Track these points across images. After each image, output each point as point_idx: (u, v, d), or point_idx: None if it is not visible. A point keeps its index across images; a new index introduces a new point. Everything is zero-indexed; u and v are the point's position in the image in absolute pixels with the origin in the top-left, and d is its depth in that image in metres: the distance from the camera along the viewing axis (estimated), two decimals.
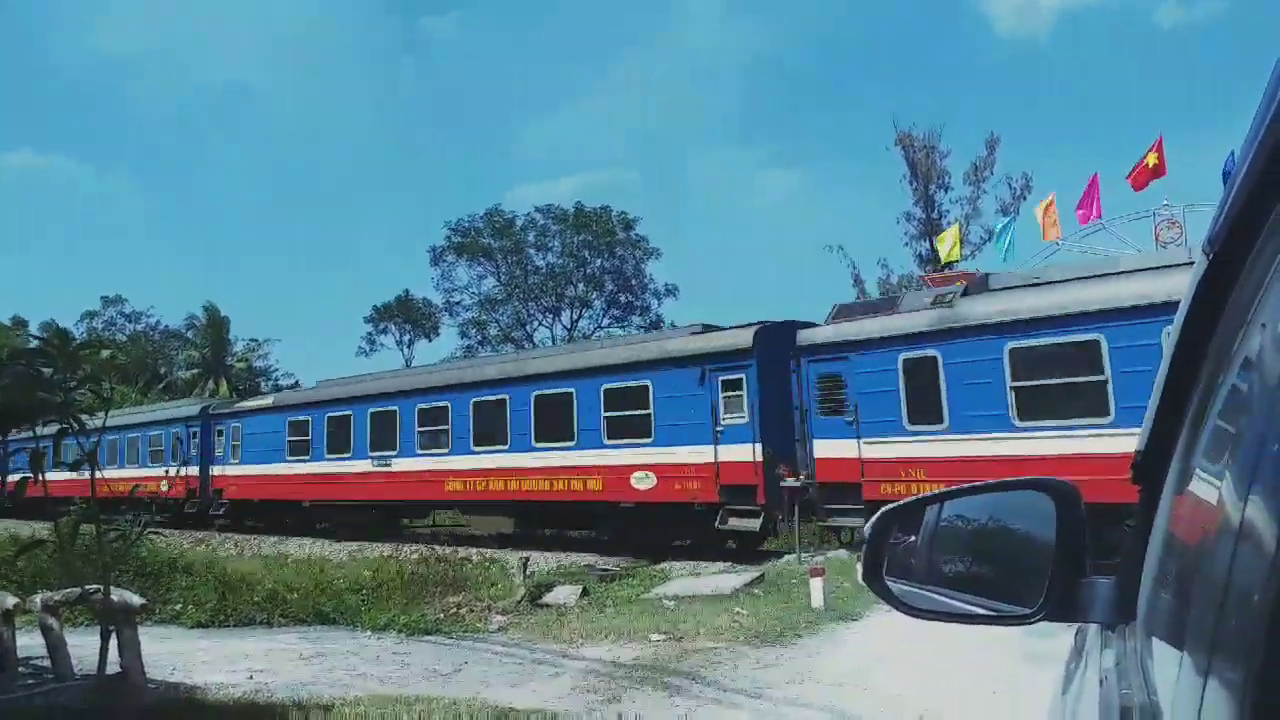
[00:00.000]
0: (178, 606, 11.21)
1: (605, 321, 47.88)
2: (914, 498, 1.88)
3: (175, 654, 8.61)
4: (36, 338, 6.14)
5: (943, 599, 1.75)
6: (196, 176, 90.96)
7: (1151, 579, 1.29)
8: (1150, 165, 21.91)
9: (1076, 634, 2.10)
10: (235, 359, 53.01)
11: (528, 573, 12.48)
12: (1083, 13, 65.48)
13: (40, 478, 5.90)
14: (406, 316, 50.90)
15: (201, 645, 9.26)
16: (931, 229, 33.44)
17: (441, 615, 10.47)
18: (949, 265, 26.50)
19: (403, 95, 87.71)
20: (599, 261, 47.44)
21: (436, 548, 15.65)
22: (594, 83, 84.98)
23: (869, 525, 1.81)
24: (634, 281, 48.00)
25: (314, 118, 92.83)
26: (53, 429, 5.99)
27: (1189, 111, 63.62)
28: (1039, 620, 1.52)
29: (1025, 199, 31.83)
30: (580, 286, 47.64)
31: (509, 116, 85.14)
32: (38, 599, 7.52)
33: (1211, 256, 1.08)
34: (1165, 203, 21.79)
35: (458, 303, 49.06)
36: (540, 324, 48.51)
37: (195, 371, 51.54)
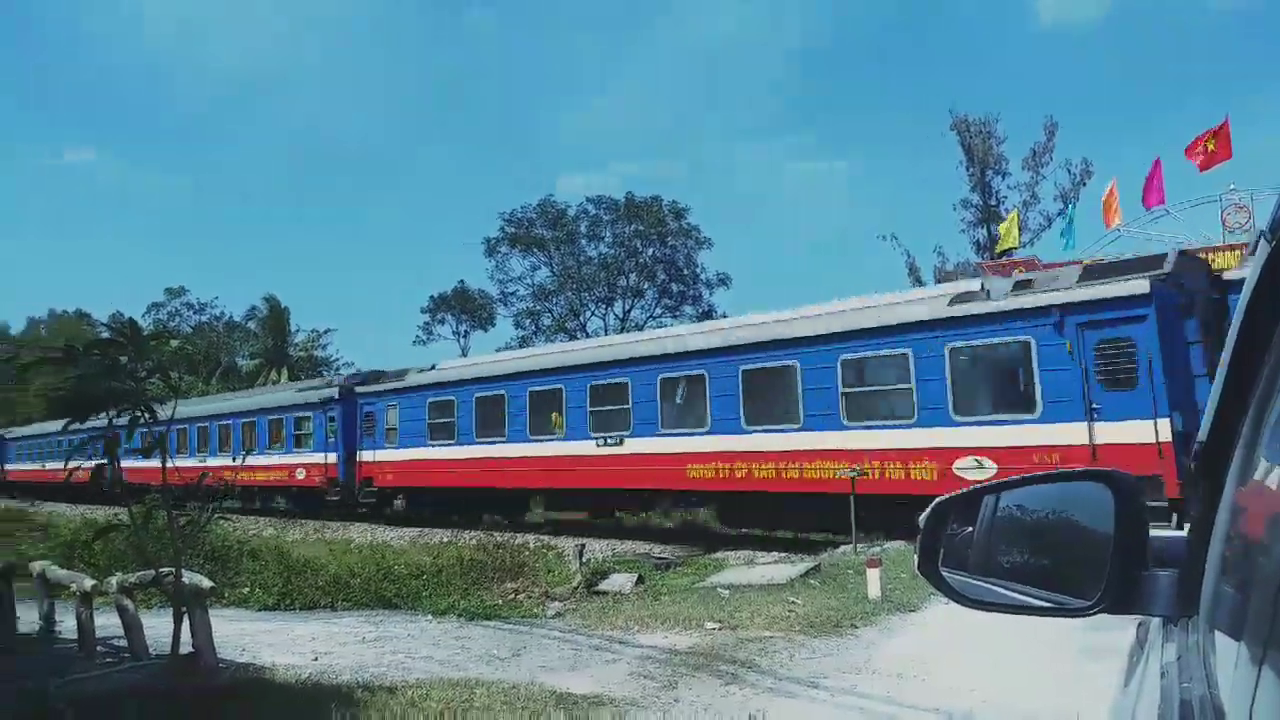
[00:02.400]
0: (245, 590, 11.54)
1: (658, 311, 47.94)
2: (970, 488, 1.88)
3: (243, 635, 8.88)
4: (107, 326, 6.36)
5: (1000, 590, 1.75)
6: (254, 171, 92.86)
7: (1214, 572, 1.28)
8: (1210, 149, 21.26)
9: (1139, 628, 2.08)
10: (296, 349, 54.15)
11: (584, 560, 12.61)
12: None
13: (115, 464, 6.13)
14: (463, 307, 51.50)
15: (267, 628, 9.53)
16: (989, 215, 32.86)
17: (500, 601, 10.63)
18: (1007, 252, 26.03)
19: (447, 85, 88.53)
20: (650, 251, 47.47)
21: (495, 534, 15.84)
22: (637, 71, 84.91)
23: (924, 515, 1.81)
24: (685, 271, 47.94)
25: (363, 110, 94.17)
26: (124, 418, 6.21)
27: (1257, 93, 61.39)
28: (1098, 612, 1.52)
29: (1085, 185, 31.15)
30: (632, 276, 47.73)
31: (553, 105, 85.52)
32: (114, 581, 7.80)
33: (1275, 243, 1.07)
34: (1231, 186, 21.14)
35: (512, 293, 49.52)
36: (593, 314, 48.75)
37: (258, 361, 52.78)
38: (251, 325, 55.98)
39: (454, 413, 21.69)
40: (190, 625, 6.82)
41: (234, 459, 26.78)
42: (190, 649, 6.89)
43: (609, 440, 18.01)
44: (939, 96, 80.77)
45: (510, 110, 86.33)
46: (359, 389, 25.00)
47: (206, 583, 7.46)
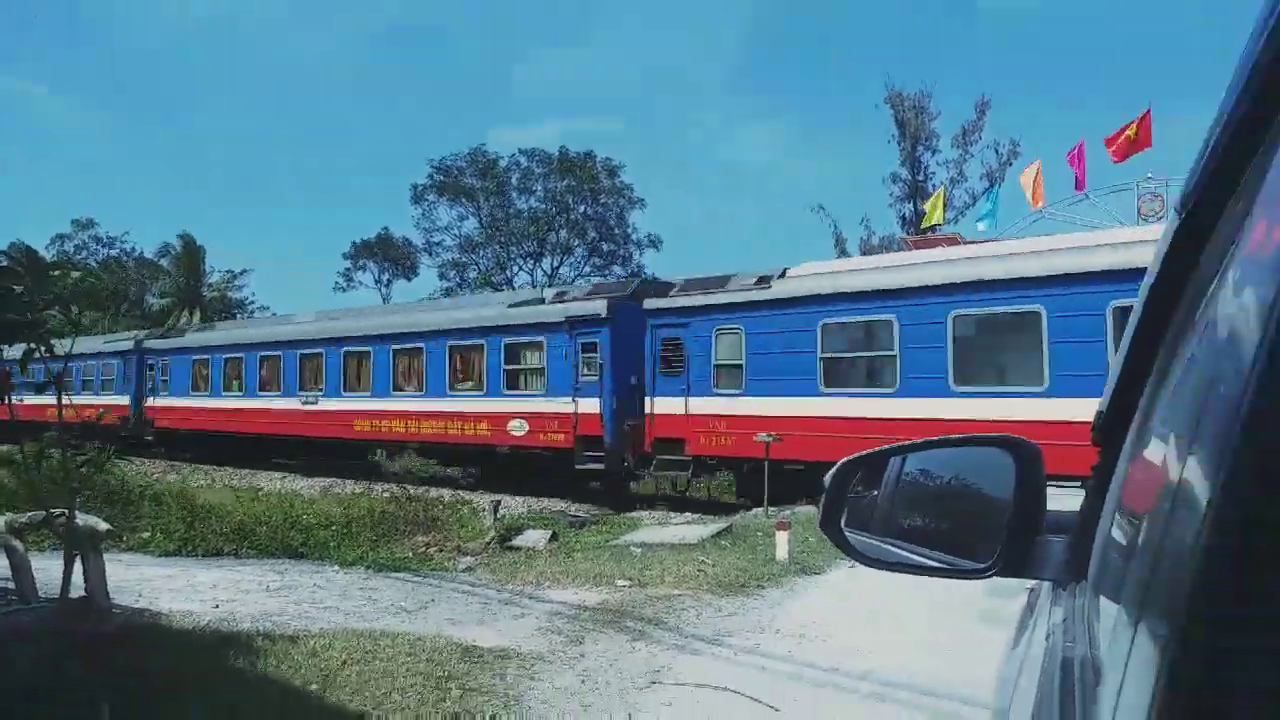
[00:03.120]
0: (146, 535, 11.20)
1: (587, 269, 47.72)
2: (876, 450, 1.88)
3: (142, 581, 8.63)
4: (3, 254, 6.01)
5: (900, 551, 1.76)
6: (173, 104, 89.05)
7: (1103, 539, 1.30)
8: (1131, 138, 21.91)
9: (1030, 592, 2.14)
10: (210, 289, 52.46)
11: (499, 515, 12.56)
12: None
13: (7, 400, 5.84)
14: (385, 254, 50.47)
15: (167, 573, 9.27)
16: (917, 191, 33.42)
17: (410, 554, 10.53)
18: (932, 229, 26.53)
19: (385, 24, 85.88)
20: (582, 208, 47.14)
21: (409, 487, 15.67)
22: (581, 27, 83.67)
23: (829, 474, 1.81)
24: (617, 230, 47.76)
25: (293, 44, 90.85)
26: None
27: (1179, 82, 63.53)
28: (993, 575, 1.54)
29: (1012, 165, 31.86)
30: (563, 233, 47.35)
31: (494, 55, 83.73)
32: (1, 521, 7.48)
33: (1184, 216, 1.07)
34: (1149, 175, 21.86)
35: (438, 243, 48.71)
36: (521, 269, 48.30)
37: (169, 300, 50.99)
38: (164, 263, 53.89)
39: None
40: (83, 569, 6.58)
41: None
42: (83, 593, 6.67)
43: None
44: (877, 68, 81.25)
45: (446, 58, 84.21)
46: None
47: (103, 525, 7.21)
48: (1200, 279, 1.07)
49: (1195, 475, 0.65)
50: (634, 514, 15.65)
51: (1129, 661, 0.75)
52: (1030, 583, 2.05)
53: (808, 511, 13.04)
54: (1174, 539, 0.69)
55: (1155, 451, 1.05)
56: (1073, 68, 63.88)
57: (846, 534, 1.77)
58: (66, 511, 6.32)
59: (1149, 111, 21.76)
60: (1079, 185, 23.54)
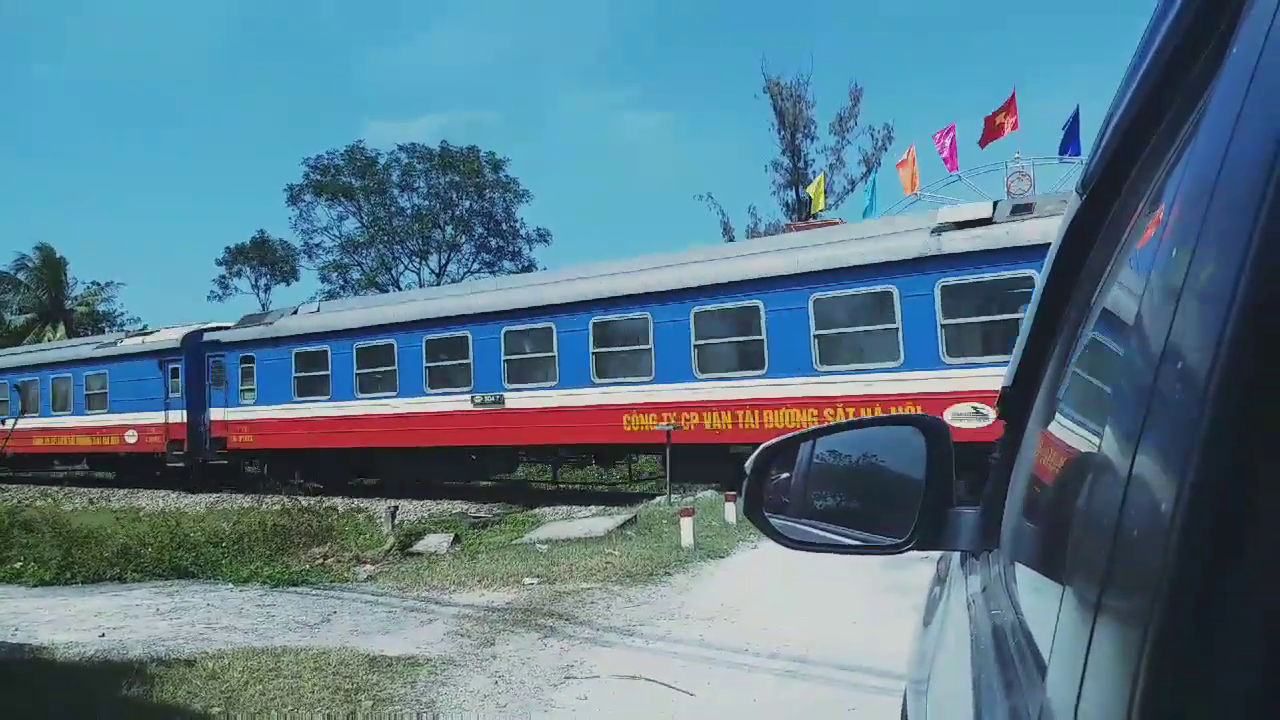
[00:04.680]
0: (18, 564, 10.55)
1: (475, 266, 47.03)
2: (790, 434, 1.92)
3: (16, 614, 8.12)
4: None
5: (818, 531, 1.81)
6: (28, 110, 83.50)
7: (1015, 509, 1.36)
8: (999, 124, 22.96)
9: (939, 563, 2.21)
10: (76, 302, 49.61)
11: (396, 521, 12.31)
12: None
13: None
14: (262, 258, 48.63)
15: (45, 604, 8.74)
16: (798, 178, 34.12)
17: (307, 567, 10.22)
18: (814, 215, 27.18)
19: (247, 22, 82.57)
20: (467, 204, 46.34)
21: (300, 498, 15.17)
22: (452, 16, 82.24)
23: (749, 461, 1.84)
24: (504, 225, 47.19)
25: (155, 42, 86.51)
26: None
27: (1041, 65, 66.65)
28: (909, 549, 1.58)
29: (887, 149, 32.80)
30: (448, 229, 46.52)
31: (361, 49, 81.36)
32: None
33: (1085, 197, 1.12)
34: (1016, 155, 22.91)
35: (317, 245, 47.17)
36: (407, 268, 47.28)
37: (29, 316, 47.98)
38: (21, 276, 50.65)
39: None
40: None
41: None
42: None
43: None
44: (756, 55, 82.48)
45: (316, 52, 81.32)
46: None
47: None
48: (1099, 260, 1.12)
49: (1112, 449, 0.69)
50: (536, 510, 15.58)
51: (1058, 625, 0.79)
52: (937, 555, 2.13)
53: (709, 497, 13.22)
54: (1094, 509, 0.72)
55: (1063, 426, 1.10)
56: (937, 53, 66.24)
57: (768, 517, 1.80)
58: None
59: (1014, 95, 22.82)
60: (949, 167, 24.51)
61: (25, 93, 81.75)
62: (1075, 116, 21.64)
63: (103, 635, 7.28)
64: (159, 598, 8.91)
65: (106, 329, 46.34)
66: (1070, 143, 21.34)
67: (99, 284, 51.78)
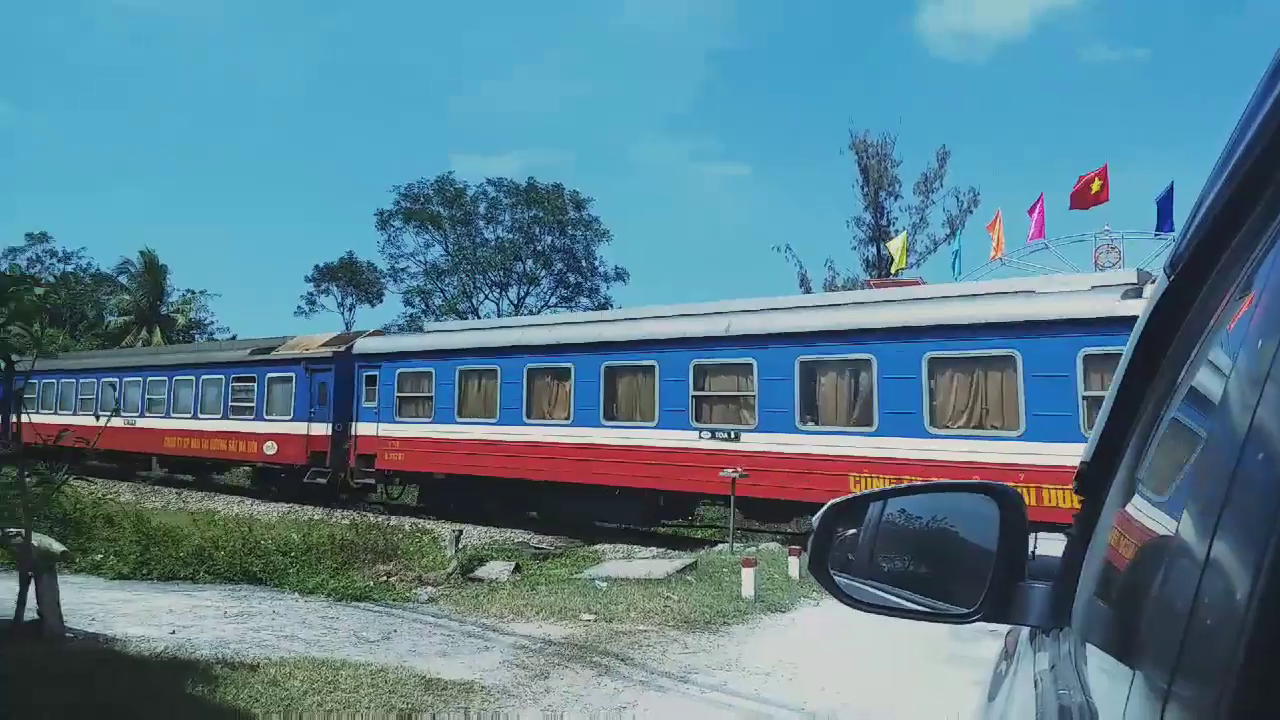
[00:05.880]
0: (99, 557, 10.97)
1: (553, 300, 47.69)
2: (858, 494, 1.93)
3: (95, 604, 8.44)
4: None
5: (883, 594, 1.80)
6: (138, 119, 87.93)
7: (1089, 587, 1.34)
8: (1094, 191, 22.51)
9: (1007, 636, 2.18)
10: (172, 309, 51.67)
11: (460, 545, 12.45)
12: (1016, 45, 67.06)
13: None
14: (350, 279, 50.07)
15: (122, 597, 9.08)
16: (880, 235, 33.91)
17: (371, 583, 10.40)
18: (895, 273, 26.96)
19: (349, 49, 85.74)
20: (549, 239, 47.16)
21: (369, 515, 15.49)
22: (537, 57, 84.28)
23: (816, 517, 1.85)
24: (584, 263, 47.83)
25: (261, 67, 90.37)
26: None
27: (1128, 144, 65.54)
28: (978, 620, 1.57)
29: (972, 213, 32.45)
30: (529, 263, 47.33)
31: (448, 83, 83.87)
32: None
33: (1173, 278, 1.13)
34: (1106, 228, 22.39)
35: (403, 269, 48.43)
36: (487, 297, 48.16)
37: (128, 318, 50.10)
38: (123, 280, 52.99)
39: None
40: (36, 590, 6.45)
41: None
42: (36, 615, 6.52)
43: None
44: (839, 113, 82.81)
45: (411, 83, 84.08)
46: None
47: (57, 546, 7.08)
48: (1187, 339, 1.13)
49: (1190, 533, 0.70)
50: (597, 547, 15.59)
51: (1126, 712, 0.79)
52: (1004, 628, 2.10)
53: (772, 549, 13.07)
54: (1169, 593, 0.73)
55: (1141, 506, 1.10)
56: (1022, 120, 65.64)
57: (833, 575, 1.81)
58: (22, 532, 6.21)
59: (1105, 167, 22.38)
60: (1034, 235, 24.08)
61: (140, 110, 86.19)
62: (1169, 192, 21.07)
63: (173, 632, 7.52)
64: (228, 601, 9.17)
65: (198, 336, 48.12)
66: (1165, 219, 20.76)
67: (193, 292, 53.93)
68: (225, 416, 24.35)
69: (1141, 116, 67.56)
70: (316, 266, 50.40)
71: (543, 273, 47.70)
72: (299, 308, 50.59)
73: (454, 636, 7.89)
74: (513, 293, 47.71)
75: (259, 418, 23.26)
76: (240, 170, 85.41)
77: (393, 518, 16.11)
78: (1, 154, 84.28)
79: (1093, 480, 1.51)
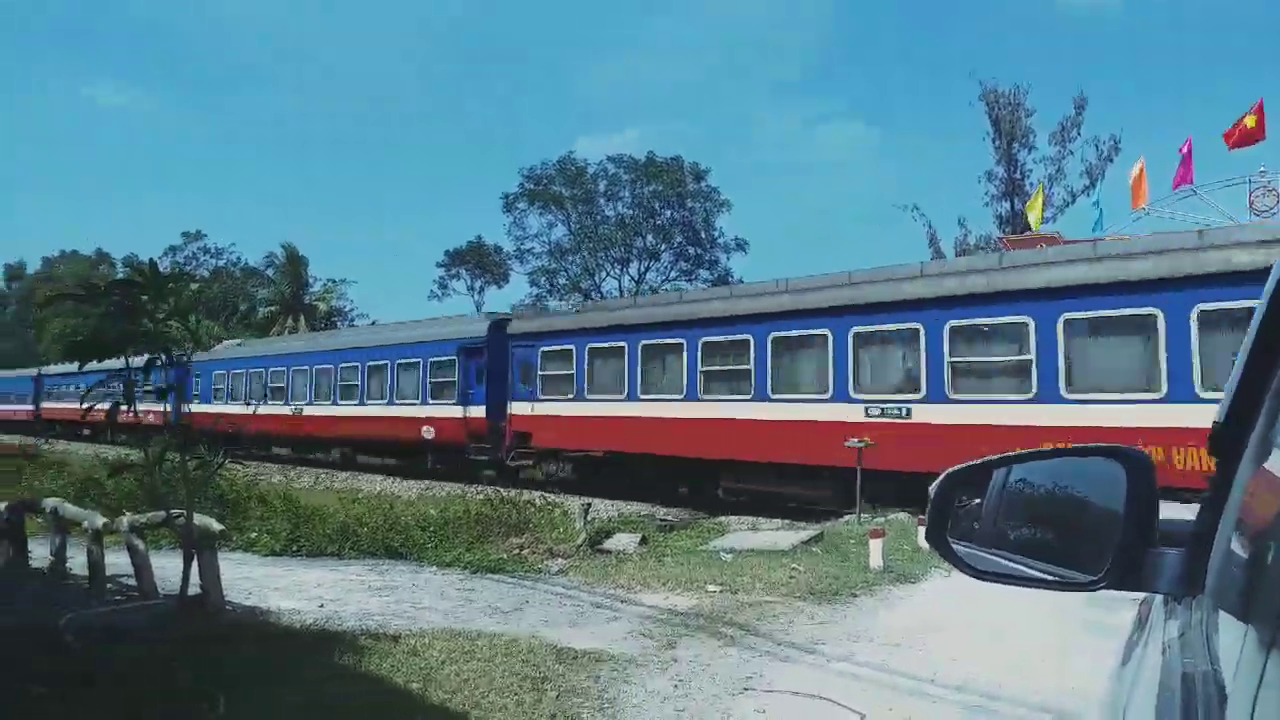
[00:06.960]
0: (253, 535, 11.67)
1: (674, 274, 47.83)
2: (980, 460, 1.87)
3: (250, 579, 9.00)
4: (127, 267, 6.39)
5: (1005, 562, 1.75)
6: (278, 116, 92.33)
7: (1223, 552, 1.28)
8: (1250, 127, 20.92)
9: (1140, 605, 2.08)
10: (314, 297, 54.32)
11: (589, 519, 12.68)
12: None
13: (133, 406, 6.18)
14: (478, 262, 51.48)
15: (274, 572, 9.65)
16: (1014, 189, 32.53)
17: (504, 556, 10.72)
18: (1032, 229, 25.82)
19: (474, 41, 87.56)
20: (669, 213, 47.25)
21: (501, 489, 15.95)
22: (661, 29, 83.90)
23: (934, 485, 1.80)
24: (703, 235, 47.73)
25: (385, 62, 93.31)
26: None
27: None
28: (1103, 588, 1.51)
29: (1113, 161, 30.72)
30: (649, 238, 47.55)
31: (577, 62, 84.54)
32: (125, 520, 7.91)
33: None
34: (1262, 169, 20.82)
35: (528, 250, 49.44)
36: (609, 274, 48.67)
37: (274, 309, 52.96)
38: (270, 272, 56.07)
39: None
40: (198, 567, 6.91)
41: None
42: (198, 590, 7.00)
43: None
44: (965, 66, 79.51)
45: (534, 67, 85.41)
46: None
47: (216, 525, 7.55)
48: None
49: None
50: (722, 519, 15.62)
51: (1263, 681, 0.74)
52: (1139, 595, 2.00)
53: (901, 519, 12.81)
54: None
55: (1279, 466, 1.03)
56: (1162, 67, 61.31)
57: (952, 544, 1.76)
58: (185, 512, 6.66)
59: (1260, 102, 20.78)
60: (1179, 182, 22.58)
61: (277, 107, 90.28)
62: None
63: (321, 606, 7.96)
64: (371, 575, 9.63)
65: (339, 323, 50.43)
66: None
67: (334, 281, 56.55)
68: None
69: None
70: (447, 251, 52.15)
71: (663, 247, 47.87)
72: (432, 292, 52.45)
73: (583, 607, 8.06)
74: (634, 268, 48.10)
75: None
76: (370, 160, 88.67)
77: (524, 492, 16.54)
78: (155, 154, 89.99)
79: (1227, 441, 1.41)
